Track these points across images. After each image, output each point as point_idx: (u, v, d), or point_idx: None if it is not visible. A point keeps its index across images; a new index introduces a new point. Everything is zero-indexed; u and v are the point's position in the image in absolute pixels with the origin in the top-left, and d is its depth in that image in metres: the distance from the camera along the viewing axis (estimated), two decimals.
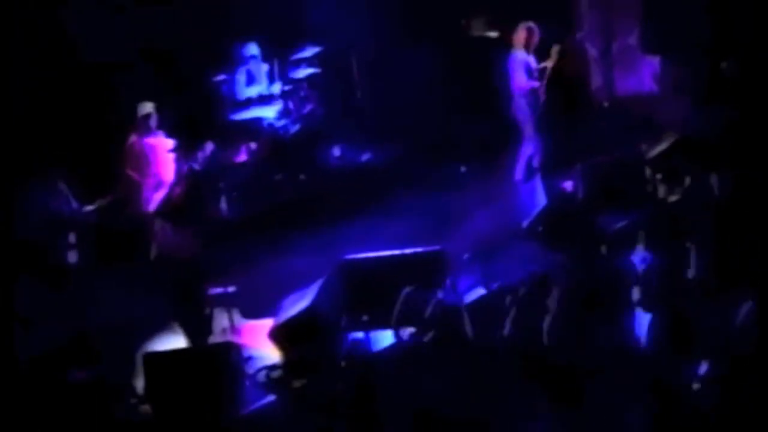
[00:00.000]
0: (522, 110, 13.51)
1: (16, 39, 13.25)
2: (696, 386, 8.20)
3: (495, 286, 10.28)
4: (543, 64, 13.45)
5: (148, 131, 12.45)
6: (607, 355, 8.75)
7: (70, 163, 12.79)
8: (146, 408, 9.68)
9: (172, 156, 12.53)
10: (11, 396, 9.61)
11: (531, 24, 13.47)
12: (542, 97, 13.44)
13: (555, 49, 13.43)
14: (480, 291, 10.52)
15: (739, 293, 8.78)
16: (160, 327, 10.95)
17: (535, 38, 13.44)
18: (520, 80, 13.42)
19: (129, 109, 12.89)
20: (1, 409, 9.48)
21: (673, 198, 10.72)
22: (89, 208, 12.41)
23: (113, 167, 12.94)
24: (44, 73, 13.73)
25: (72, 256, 12.25)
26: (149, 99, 12.72)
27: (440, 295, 9.71)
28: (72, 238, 12.23)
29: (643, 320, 9.12)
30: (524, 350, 8.98)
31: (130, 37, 14.07)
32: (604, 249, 10.29)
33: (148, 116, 12.44)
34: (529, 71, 13.44)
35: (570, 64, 13.94)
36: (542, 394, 8.52)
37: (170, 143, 12.57)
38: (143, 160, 12.43)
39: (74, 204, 12.28)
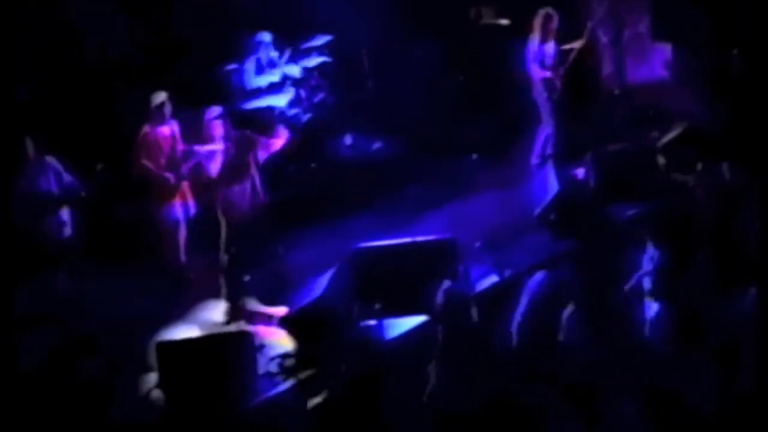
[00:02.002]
0: (539, 96, 13.51)
1: (15, 21, 13.26)
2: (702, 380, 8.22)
3: (507, 274, 10.30)
4: (569, 45, 13.45)
5: (162, 120, 12.47)
6: (615, 347, 8.75)
7: (59, 136, 12.75)
8: (158, 397, 9.71)
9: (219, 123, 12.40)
10: (15, 392, 9.66)
11: (550, 10, 13.45)
12: (559, 82, 13.43)
13: (587, 29, 13.49)
14: (492, 279, 10.54)
15: (747, 285, 8.80)
16: (167, 319, 11.01)
17: (554, 24, 13.42)
18: (537, 67, 13.41)
19: (134, 95, 12.94)
20: (5, 405, 9.54)
21: (684, 186, 10.69)
22: (84, 182, 12.32)
23: (107, 140, 13.00)
24: (46, 61, 13.77)
25: (66, 233, 12.18)
26: (159, 89, 12.73)
27: (450, 284, 9.72)
28: (65, 215, 12.15)
29: (651, 311, 9.13)
30: (531, 343, 8.98)
31: (140, 24, 14.12)
32: (614, 237, 10.30)
33: (161, 105, 12.45)
34: (545, 57, 13.43)
35: (587, 51, 13.92)
36: (550, 388, 8.53)
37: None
38: (157, 150, 12.44)
39: (66, 178, 12.19)
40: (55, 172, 12.10)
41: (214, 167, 12.22)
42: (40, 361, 10.24)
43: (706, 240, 9.49)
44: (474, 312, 9.37)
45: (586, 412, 8.14)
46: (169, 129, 12.49)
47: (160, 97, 12.47)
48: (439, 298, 9.11)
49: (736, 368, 8.21)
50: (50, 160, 12.13)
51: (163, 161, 12.43)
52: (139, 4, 14.30)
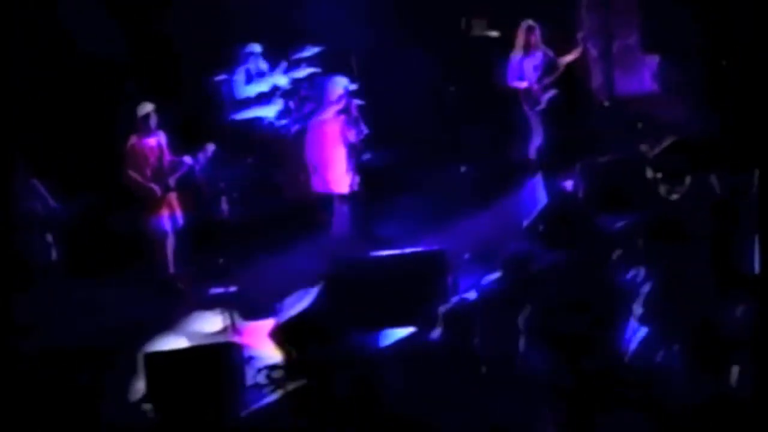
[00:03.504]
0: (525, 107, 13.53)
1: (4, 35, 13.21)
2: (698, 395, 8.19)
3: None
4: (565, 58, 13.49)
5: (148, 132, 12.45)
6: (601, 366, 8.72)
7: (45, 161, 12.71)
8: (147, 408, 9.69)
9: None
10: (11, 397, 9.63)
11: (531, 22, 13.50)
12: (548, 93, 13.46)
13: (581, 40, 13.55)
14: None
15: (740, 295, 8.77)
16: (156, 329, 10.97)
17: (535, 37, 13.46)
18: (519, 78, 13.44)
19: (124, 109, 12.90)
20: (2, 411, 9.51)
21: (673, 198, 10.68)
22: (69, 206, 12.27)
23: (93, 165, 12.96)
24: (37, 71, 13.71)
25: (51, 256, 12.14)
26: (149, 99, 12.71)
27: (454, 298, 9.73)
28: (50, 237, 12.11)
29: (641, 331, 9.10)
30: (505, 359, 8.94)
31: (129, 36, 14.09)
32: (603, 250, 10.29)
33: (147, 116, 12.43)
34: (529, 69, 13.46)
35: (576, 63, 13.95)
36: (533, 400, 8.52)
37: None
38: (144, 161, 12.42)
39: (51, 202, 12.13)
40: (40, 196, 12.06)
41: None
42: (29, 371, 10.19)
43: (697, 251, 9.47)
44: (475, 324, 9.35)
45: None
46: (155, 140, 12.48)
47: (146, 108, 12.46)
48: (443, 310, 9.07)
49: (731, 379, 8.22)
50: (36, 183, 12.10)
51: (149, 172, 12.41)
52: (130, 14, 14.27)
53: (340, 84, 13.05)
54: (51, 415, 9.56)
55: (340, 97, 12.90)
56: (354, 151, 12.97)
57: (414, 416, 8.70)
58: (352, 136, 12.85)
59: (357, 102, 13.16)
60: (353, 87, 13.24)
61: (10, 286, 11.07)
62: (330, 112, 12.91)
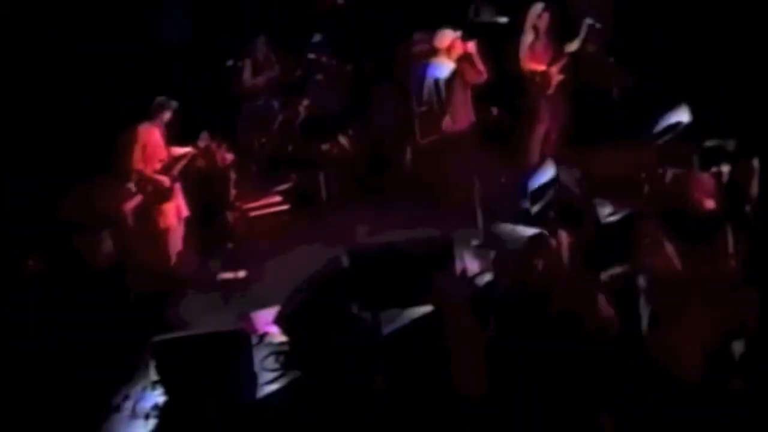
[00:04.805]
0: (535, 93, 13.50)
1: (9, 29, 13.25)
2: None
3: None
4: (566, 47, 13.46)
5: (157, 124, 12.45)
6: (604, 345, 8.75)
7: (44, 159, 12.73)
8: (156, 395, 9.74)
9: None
10: (11, 397, 9.70)
11: (541, 5, 13.45)
12: (556, 78, 13.43)
13: (585, 26, 13.53)
14: (488, 277, 10.56)
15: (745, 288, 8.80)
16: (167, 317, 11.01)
17: (545, 20, 13.41)
18: (530, 63, 13.41)
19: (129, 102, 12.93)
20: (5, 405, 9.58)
21: (678, 185, 10.73)
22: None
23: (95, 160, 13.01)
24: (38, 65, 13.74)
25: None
26: (153, 91, 12.74)
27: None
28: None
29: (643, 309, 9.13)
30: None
31: (134, 27, 14.13)
32: (607, 238, 10.35)
33: (161, 108, 12.44)
34: (538, 54, 13.43)
35: (585, 49, 13.91)
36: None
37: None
38: (152, 151, 12.41)
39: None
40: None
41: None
42: (35, 364, 10.24)
43: (704, 238, 9.50)
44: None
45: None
46: (161, 132, 12.46)
47: (160, 99, 12.47)
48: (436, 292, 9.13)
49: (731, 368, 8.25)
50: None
51: (157, 164, 12.41)
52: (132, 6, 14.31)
53: (448, 32, 12.96)
54: (56, 412, 9.63)
55: (451, 43, 12.81)
56: (474, 92, 12.94)
57: (420, 398, 8.77)
58: (471, 77, 12.76)
59: (472, 44, 12.99)
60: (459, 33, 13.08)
61: (9, 285, 11.15)
62: (443, 59, 12.84)
